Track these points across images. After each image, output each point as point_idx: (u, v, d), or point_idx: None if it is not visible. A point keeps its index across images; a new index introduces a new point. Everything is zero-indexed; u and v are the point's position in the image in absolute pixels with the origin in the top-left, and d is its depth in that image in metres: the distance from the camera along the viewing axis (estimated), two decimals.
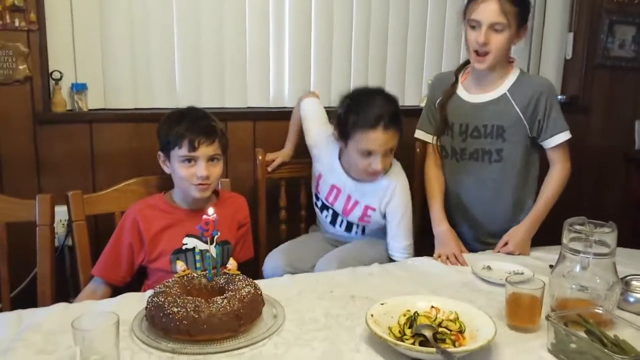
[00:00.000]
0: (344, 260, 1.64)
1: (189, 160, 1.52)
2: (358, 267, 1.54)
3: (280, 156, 2.02)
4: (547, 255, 1.63)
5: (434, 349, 0.97)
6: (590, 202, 2.81)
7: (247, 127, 2.19)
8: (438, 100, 1.84)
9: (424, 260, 1.61)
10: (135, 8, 2.01)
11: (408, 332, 1.05)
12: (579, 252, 1.17)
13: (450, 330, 1.05)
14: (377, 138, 1.61)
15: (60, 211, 1.61)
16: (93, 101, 1.99)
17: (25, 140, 1.87)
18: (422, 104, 2.40)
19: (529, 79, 1.78)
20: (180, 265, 1.20)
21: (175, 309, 1.03)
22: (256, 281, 1.19)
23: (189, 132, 1.50)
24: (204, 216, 1.14)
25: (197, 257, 1.49)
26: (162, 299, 1.06)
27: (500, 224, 1.78)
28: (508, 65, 1.76)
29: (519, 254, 1.67)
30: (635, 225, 2.75)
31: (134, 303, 1.20)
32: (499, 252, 1.70)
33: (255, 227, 1.90)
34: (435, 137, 1.86)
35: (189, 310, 1.03)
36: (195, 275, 1.18)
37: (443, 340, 1.02)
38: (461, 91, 1.81)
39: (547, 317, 1.04)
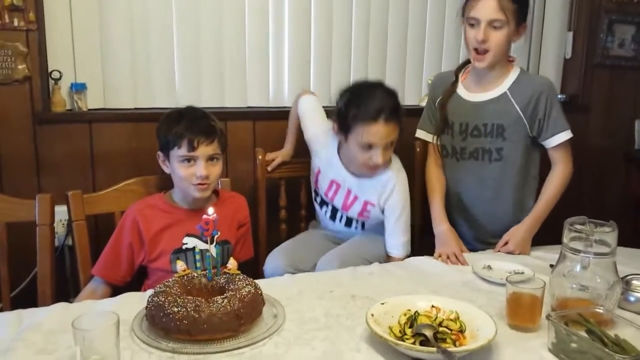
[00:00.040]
0: (345, 259, 1.64)
1: (189, 160, 1.51)
2: (358, 267, 1.54)
3: (280, 156, 2.02)
4: (547, 254, 1.62)
5: (434, 349, 0.97)
6: (591, 202, 2.81)
7: (246, 127, 2.19)
8: (438, 100, 1.84)
9: (425, 259, 1.61)
10: (135, 7, 2.01)
11: (408, 331, 1.05)
12: (579, 251, 1.16)
13: (451, 330, 1.05)
14: (378, 131, 1.61)
15: (60, 211, 1.61)
16: (92, 101, 1.99)
17: (24, 140, 1.87)
18: (422, 104, 2.40)
19: (529, 78, 1.78)
20: (180, 265, 1.20)
21: (176, 309, 1.03)
22: (256, 281, 1.19)
23: (188, 132, 1.50)
24: (204, 216, 1.14)
25: (197, 257, 1.49)
26: (163, 299, 1.06)
27: (500, 224, 1.78)
28: (508, 64, 1.76)
29: (519, 254, 1.67)
30: (636, 224, 2.75)
31: (134, 303, 1.20)
32: (499, 251, 1.70)
33: (255, 226, 1.90)
34: (435, 137, 1.86)
35: (189, 309, 1.03)
36: (196, 274, 1.18)
37: (444, 340, 1.02)
38: (461, 90, 1.81)
39: (548, 317, 1.04)
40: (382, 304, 1.13)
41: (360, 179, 1.77)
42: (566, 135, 1.72)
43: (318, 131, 1.86)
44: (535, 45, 2.77)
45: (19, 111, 1.85)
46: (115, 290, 1.51)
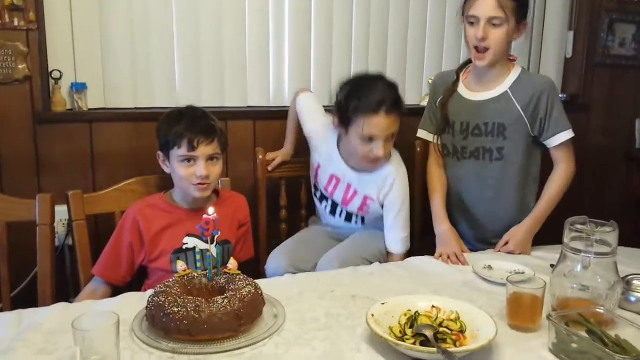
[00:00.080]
0: (345, 258, 1.64)
1: (188, 159, 1.51)
2: (359, 267, 1.54)
3: (280, 155, 2.02)
4: (547, 254, 1.62)
5: (434, 349, 0.96)
6: (591, 201, 2.81)
7: (247, 126, 2.19)
8: (439, 99, 1.84)
9: (425, 259, 1.61)
10: (135, 7, 2.01)
11: (409, 331, 1.05)
12: (580, 251, 1.16)
13: (451, 330, 1.05)
14: (380, 123, 1.61)
15: (60, 210, 1.61)
16: (93, 100, 1.99)
17: (24, 139, 1.87)
18: (423, 103, 2.40)
19: (530, 77, 1.78)
20: (180, 265, 1.20)
21: (176, 309, 1.03)
22: (256, 280, 1.19)
23: (188, 132, 1.50)
24: (204, 215, 1.14)
25: (198, 257, 1.49)
26: (163, 299, 1.06)
27: (501, 223, 1.77)
28: (509, 63, 1.76)
29: (519, 253, 1.67)
30: (636, 224, 2.74)
31: (134, 303, 1.20)
32: (499, 251, 1.69)
33: (255, 226, 1.90)
34: (436, 137, 1.85)
35: (189, 309, 1.03)
36: (196, 274, 1.18)
37: (444, 340, 1.02)
38: (462, 89, 1.81)
39: (548, 317, 1.04)
40: (383, 304, 1.13)
41: (360, 173, 1.77)
42: (567, 134, 1.72)
43: (317, 126, 1.86)
44: (536, 44, 2.77)
45: (19, 111, 1.85)
46: (116, 290, 1.51)
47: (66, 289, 1.85)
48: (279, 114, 2.11)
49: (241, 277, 1.17)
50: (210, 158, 1.53)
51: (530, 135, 1.75)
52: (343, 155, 1.78)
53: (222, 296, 1.08)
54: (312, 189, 1.94)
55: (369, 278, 1.44)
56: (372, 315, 1.08)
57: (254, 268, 1.78)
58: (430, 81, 2.41)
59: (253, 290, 1.12)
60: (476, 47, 1.67)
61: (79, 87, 1.94)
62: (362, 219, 1.85)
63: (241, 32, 2.17)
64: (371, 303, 1.16)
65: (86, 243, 1.58)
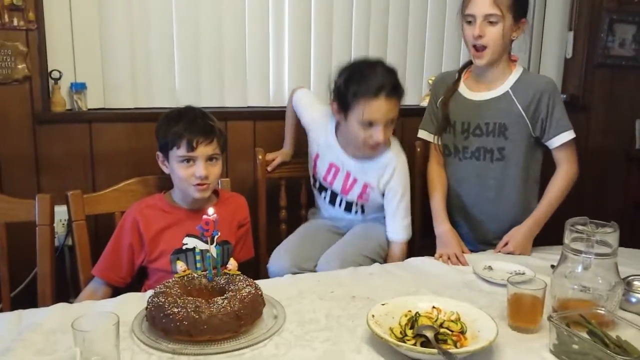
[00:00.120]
0: (345, 258, 1.64)
1: (188, 160, 1.51)
2: (359, 267, 1.54)
3: (280, 156, 2.02)
4: (548, 255, 1.62)
5: (435, 350, 0.96)
6: (592, 202, 2.80)
7: (247, 127, 2.18)
8: (440, 99, 1.84)
9: (425, 260, 1.61)
10: (135, 7, 2.01)
11: (409, 332, 1.04)
12: (580, 252, 1.16)
13: (452, 331, 1.05)
14: (380, 107, 1.60)
15: (60, 211, 1.60)
16: (92, 101, 1.99)
17: (24, 140, 1.87)
18: (423, 104, 2.40)
19: (531, 78, 1.78)
20: (180, 266, 1.20)
21: (176, 310, 1.03)
22: (257, 281, 1.19)
23: (187, 132, 1.49)
24: (204, 216, 1.14)
25: (198, 257, 1.48)
26: (163, 300, 1.06)
27: (502, 224, 1.77)
28: (511, 63, 1.76)
29: (519, 254, 1.66)
30: (637, 224, 2.74)
31: (134, 303, 1.20)
32: (499, 252, 1.69)
33: (255, 226, 1.90)
34: (437, 137, 1.85)
35: (189, 310, 1.02)
36: (196, 275, 1.18)
37: (444, 341, 1.02)
38: (463, 89, 1.81)
39: (549, 318, 1.04)
40: (383, 304, 1.13)
41: (359, 161, 1.77)
42: (569, 135, 1.71)
43: (315, 114, 1.86)
44: (536, 45, 2.77)
45: (18, 111, 1.85)
46: (116, 290, 1.50)
47: (66, 290, 1.85)
48: (279, 115, 2.10)
49: (241, 278, 1.17)
50: (210, 158, 1.53)
51: (532, 136, 1.75)
52: (341, 143, 1.78)
53: (222, 297, 1.08)
54: (311, 180, 1.94)
55: (369, 279, 1.44)
56: (373, 316, 1.08)
57: (254, 269, 1.78)
58: (430, 82, 2.41)
59: (253, 291, 1.11)
60: (475, 46, 1.67)
61: (78, 88, 1.94)
62: (362, 209, 1.85)
63: (241, 33, 2.17)
64: (371, 304, 1.15)
65: (86, 243, 1.57)
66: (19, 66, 1.81)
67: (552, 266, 1.30)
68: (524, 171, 1.78)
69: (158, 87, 2.09)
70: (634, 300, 1.24)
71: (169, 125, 1.53)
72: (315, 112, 1.86)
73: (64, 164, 1.93)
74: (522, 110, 1.71)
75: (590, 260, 1.15)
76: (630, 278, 1.28)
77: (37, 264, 1.49)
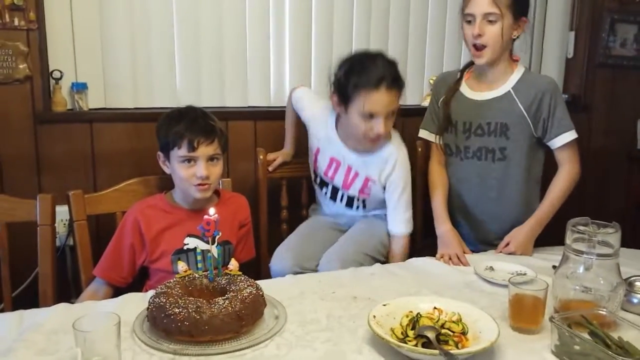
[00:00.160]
0: (346, 258, 1.64)
1: (189, 160, 1.51)
2: (360, 268, 1.54)
3: (280, 156, 2.02)
4: (550, 255, 1.62)
5: (437, 351, 0.96)
6: (593, 202, 2.80)
7: (247, 127, 2.18)
8: (442, 98, 1.84)
9: (426, 260, 1.60)
10: (136, 7, 2.01)
11: (410, 333, 1.04)
12: (582, 252, 1.15)
13: (453, 332, 1.04)
14: (381, 98, 1.60)
15: (61, 211, 1.60)
16: (93, 100, 1.99)
17: (25, 139, 1.87)
18: (424, 104, 2.40)
19: (533, 78, 1.77)
20: (181, 266, 1.20)
21: (177, 310, 1.03)
22: (258, 281, 1.19)
23: (188, 132, 1.49)
24: (205, 216, 1.14)
25: (199, 258, 1.48)
26: (164, 300, 1.06)
27: (503, 225, 1.77)
28: (513, 63, 1.75)
29: (521, 255, 1.66)
30: (639, 225, 2.74)
31: (136, 304, 1.20)
32: (500, 252, 1.69)
33: (256, 226, 1.90)
34: (438, 137, 1.85)
35: (190, 311, 1.02)
36: (197, 275, 1.18)
37: (446, 342, 1.02)
38: (465, 89, 1.81)
39: (551, 319, 1.03)
40: (384, 305, 1.13)
41: (360, 154, 1.76)
42: (571, 135, 1.71)
43: (315, 109, 1.86)
44: (537, 44, 2.77)
45: (19, 111, 1.85)
46: (117, 291, 1.50)
47: (67, 290, 1.85)
48: (280, 114, 2.10)
49: (242, 278, 1.16)
50: (211, 159, 1.53)
51: (533, 136, 1.75)
52: (342, 137, 1.78)
53: (223, 297, 1.08)
54: (312, 176, 1.93)
55: (371, 279, 1.44)
56: (374, 316, 1.08)
57: (255, 269, 1.78)
58: (431, 82, 2.41)
59: (254, 292, 1.11)
60: (475, 45, 1.67)
61: (79, 87, 1.94)
62: (364, 204, 1.85)
63: (242, 32, 2.17)
64: (373, 304, 1.15)
65: (87, 243, 1.57)
66: (20, 66, 1.82)
67: (554, 267, 1.30)
68: (525, 171, 1.78)
69: (159, 87, 2.09)
70: (635, 301, 1.24)
71: (169, 125, 1.53)
72: (315, 108, 1.87)
73: (65, 164, 1.93)
74: (523, 110, 1.71)
75: (592, 261, 1.15)
76: (632, 279, 1.28)
77: (38, 264, 1.49)
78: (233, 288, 1.12)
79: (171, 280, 1.15)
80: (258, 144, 2.16)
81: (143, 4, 2.02)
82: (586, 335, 1.00)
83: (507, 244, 1.69)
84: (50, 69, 1.90)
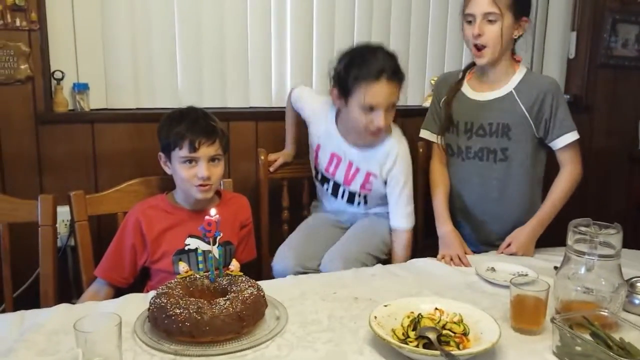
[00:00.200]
0: (348, 257, 1.65)
1: (190, 161, 1.51)
2: (361, 268, 1.54)
3: (282, 156, 2.02)
4: (551, 256, 1.61)
5: (438, 352, 0.96)
6: (595, 203, 2.79)
7: (249, 127, 2.18)
8: (443, 99, 1.84)
9: (428, 261, 1.60)
10: (137, 7, 2.01)
11: (412, 334, 1.04)
12: (583, 253, 1.15)
13: (455, 333, 1.04)
14: (381, 90, 1.60)
15: (63, 211, 1.60)
16: (95, 101, 1.99)
17: (27, 140, 1.87)
18: (425, 104, 2.40)
19: (534, 78, 1.77)
20: (182, 266, 1.20)
21: (178, 311, 1.03)
22: (259, 282, 1.19)
23: (190, 133, 1.49)
24: (207, 217, 1.14)
25: (200, 258, 1.48)
26: (165, 301, 1.06)
27: (504, 225, 1.76)
28: (514, 63, 1.75)
29: (522, 255, 1.66)
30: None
31: (137, 304, 1.20)
32: (502, 253, 1.69)
33: (257, 227, 1.90)
34: (439, 137, 1.85)
35: (191, 311, 1.02)
36: (198, 276, 1.18)
37: (447, 343, 1.02)
38: (466, 89, 1.81)
39: (552, 320, 1.03)
40: (385, 306, 1.13)
41: (361, 149, 1.76)
42: (573, 136, 1.71)
43: (315, 105, 1.86)
44: (539, 45, 2.77)
45: (21, 111, 1.85)
46: (118, 291, 1.50)
47: (69, 290, 1.85)
48: (282, 115, 2.10)
49: (243, 279, 1.16)
50: (212, 159, 1.53)
51: (535, 137, 1.74)
52: (342, 132, 1.78)
53: (224, 298, 1.08)
54: (313, 172, 1.93)
55: (372, 280, 1.44)
56: (375, 317, 1.08)
57: (257, 269, 1.78)
58: (432, 82, 2.41)
59: (255, 292, 1.11)
60: (475, 46, 1.68)
61: (81, 88, 1.94)
62: (365, 200, 1.85)
63: (243, 33, 2.17)
64: (374, 305, 1.15)
65: (88, 244, 1.58)
66: (22, 66, 1.82)
67: (555, 267, 1.30)
68: (527, 172, 1.78)
69: (160, 88, 2.09)
70: (637, 301, 1.24)
71: (171, 125, 1.53)
72: (315, 104, 1.87)
73: (67, 165, 1.93)
74: (525, 111, 1.71)
75: (594, 262, 1.14)
76: (634, 279, 1.28)
77: (39, 265, 1.49)
78: (234, 289, 1.12)
79: (172, 281, 1.15)
80: (259, 144, 2.16)
81: (144, 5, 2.02)
82: (588, 337, 1.00)
83: (509, 245, 1.69)
84: (52, 70, 1.90)
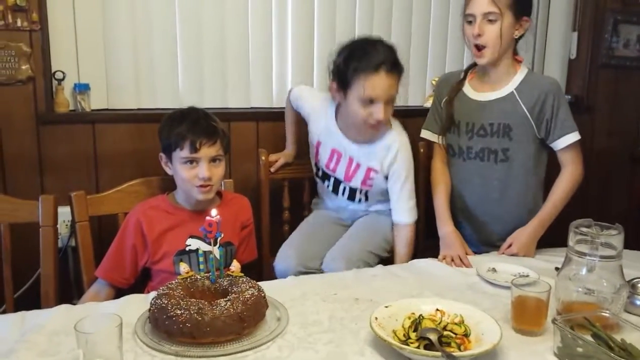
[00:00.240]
0: (350, 257, 1.65)
1: (191, 161, 1.50)
2: (362, 269, 1.54)
3: (282, 157, 2.02)
4: (552, 257, 1.61)
5: (439, 353, 0.96)
6: (596, 203, 2.79)
7: (250, 128, 2.18)
8: (445, 99, 1.84)
9: (429, 261, 1.60)
10: (138, 8, 2.01)
11: (413, 335, 1.04)
12: (585, 254, 1.15)
13: (456, 334, 1.04)
14: (381, 83, 1.60)
15: (64, 212, 1.60)
16: (96, 101, 1.99)
17: (28, 140, 1.87)
18: (426, 105, 2.40)
19: (536, 79, 1.77)
20: (183, 267, 1.19)
21: (179, 311, 1.03)
22: (260, 283, 1.18)
23: (190, 133, 1.49)
24: (208, 217, 1.14)
25: (201, 259, 1.48)
26: (166, 301, 1.05)
27: (505, 226, 1.76)
28: (516, 63, 1.75)
29: (523, 256, 1.66)
30: None
31: (137, 305, 1.20)
32: (503, 253, 1.68)
33: (258, 228, 1.90)
34: (440, 137, 1.85)
35: (192, 312, 1.02)
36: (199, 277, 1.18)
37: (448, 344, 1.02)
38: (468, 89, 1.81)
39: (554, 321, 1.03)
40: (386, 307, 1.12)
41: (361, 145, 1.76)
42: (574, 137, 1.70)
43: (315, 103, 1.86)
44: (540, 45, 2.76)
45: (22, 112, 1.85)
46: (119, 292, 1.50)
47: (69, 291, 1.85)
48: (282, 116, 2.10)
49: (244, 280, 1.16)
50: (213, 160, 1.53)
51: (536, 137, 1.74)
52: (342, 128, 1.78)
53: (225, 299, 1.08)
54: (314, 169, 1.93)
55: (373, 280, 1.43)
56: (376, 318, 1.07)
57: (258, 270, 1.78)
58: (434, 83, 2.41)
59: (256, 293, 1.11)
60: (476, 46, 1.68)
61: (82, 88, 1.94)
62: (366, 196, 1.85)
63: (244, 33, 2.17)
64: (374, 306, 1.15)
65: (89, 244, 1.58)
66: (23, 67, 1.82)
67: (557, 268, 1.29)
68: (528, 172, 1.77)
69: (161, 88, 2.09)
70: (638, 302, 1.24)
71: (171, 126, 1.53)
72: (315, 101, 1.87)
73: (68, 165, 1.93)
74: (526, 112, 1.71)
75: (595, 263, 1.14)
76: (635, 280, 1.28)
77: (40, 265, 1.50)
78: (235, 289, 1.12)
79: (173, 282, 1.15)
80: (260, 145, 2.16)
81: (146, 5, 2.02)
82: (589, 338, 1.00)
83: (510, 246, 1.68)
84: (53, 70, 1.90)
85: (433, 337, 1.01)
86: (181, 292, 1.10)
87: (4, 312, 1.46)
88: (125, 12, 1.98)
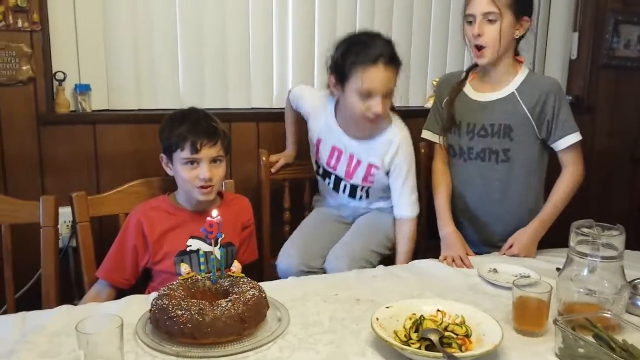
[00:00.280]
0: (353, 256, 1.66)
1: (192, 162, 1.50)
2: (363, 270, 1.54)
3: (283, 157, 2.02)
4: (554, 258, 1.61)
5: (440, 354, 0.96)
6: (597, 204, 2.79)
7: (250, 128, 2.19)
8: (446, 99, 1.84)
9: (430, 262, 1.60)
10: (139, 9, 2.01)
11: (414, 336, 1.04)
12: (586, 255, 1.15)
13: (457, 335, 1.04)
14: (379, 76, 1.60)
15: (65, 213, 1.60)
16: (97, 102, 1.99)
17: (29, 141, 1.88)
18: (427, 105, 2.40)
19: (537, 79, 1.77)
20: (184, 268, 1.19)
21: (180, 312, 1.03)
22: (261, 284, 1.18)
23: (191, 134, 1.49)
24: (209, 218, 1.14)
25: (202, 260, 1.48)
26: (167, 302, 1.05)
27: (507, 227, 1.76)
28: (517, 64, 1.75)
29: (524, 257, 1.65)
30: None
31: (138, 306, 1.20)
32: (504, 254, 1.68)
33: (259, 228, 1.90)
34: (442, 137, 1.85)
35: (193, 313, 1.02)
36: (200, 277, 1.18)
37: (449, 345, 1.02)
38: (469, 90, 1.81)
39: (555, 322, 1.03)
40: (388, 308, 1.12)
41: (361, 141, 1.76)
42: (575, 137, 1.70)
43: (314, 99, 1.87)
44: (541, 46, 2.76)
45: (23, 112, 1.85)
46: (120, 292, 1.50)
47: (71, 292, 1.85)
48: (283, 116, 2.10)
49: (245, 281, 1.16)
50: (214, 161, 1.53)
51: (538, 138, 1.74)
52: (342, 125, 1.78)
53: (226, 300, 1.08)
54: (315, 167, 1.93)
55: (374, 281, 1.43)
56: (377, 319, 1.07)
57: (259, 271, 1.78)
58: (434, 83, 2.41)
59: (257, 294, 1.11)
60: (476, 46, 1.68)
61: (83, 89, 1.94)
62: (367, 193, 1.84)
63: (245, 34, 2.17)
64: (376, 307, 1.15)
65: (90, 245, 1.58)
66: (24, 68, 1.82)
67: (558, 269, 1.29)
68: (529, 173, 1.77)
69: (162, 89, 2.09)
70: None
71: (172, 127, 1.53)
72: (314, 99, 1.87)
73: (69, 166, 1.93)
74: (527, 112, 1.71)
75: (596, 264, 1.14)
76: (637, 281, 1.28)
77: (41, 266, 1.49)
78: (236, 290, 1.12)
79: (174, 283, 1.15)
80: (261, 145, 2.16)
81: (146, 6, 2.02)
82: (590, 339, 1.00)
83: (511, 246, 1.68)
84: (54, 71, 1.90)
85: (434, 338, 1.01)
86: (182, 293, 1.10)
87: (5, 312, 1.46)
88: (126, 13, 1.99)
